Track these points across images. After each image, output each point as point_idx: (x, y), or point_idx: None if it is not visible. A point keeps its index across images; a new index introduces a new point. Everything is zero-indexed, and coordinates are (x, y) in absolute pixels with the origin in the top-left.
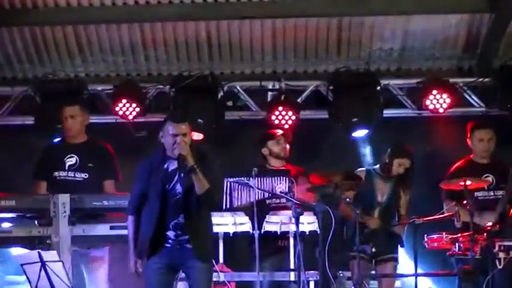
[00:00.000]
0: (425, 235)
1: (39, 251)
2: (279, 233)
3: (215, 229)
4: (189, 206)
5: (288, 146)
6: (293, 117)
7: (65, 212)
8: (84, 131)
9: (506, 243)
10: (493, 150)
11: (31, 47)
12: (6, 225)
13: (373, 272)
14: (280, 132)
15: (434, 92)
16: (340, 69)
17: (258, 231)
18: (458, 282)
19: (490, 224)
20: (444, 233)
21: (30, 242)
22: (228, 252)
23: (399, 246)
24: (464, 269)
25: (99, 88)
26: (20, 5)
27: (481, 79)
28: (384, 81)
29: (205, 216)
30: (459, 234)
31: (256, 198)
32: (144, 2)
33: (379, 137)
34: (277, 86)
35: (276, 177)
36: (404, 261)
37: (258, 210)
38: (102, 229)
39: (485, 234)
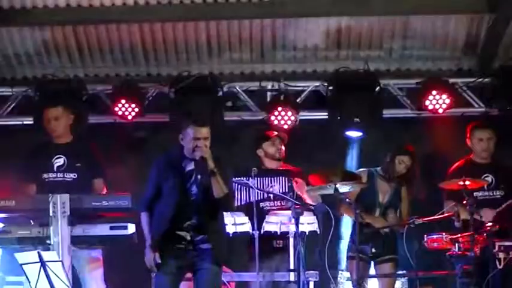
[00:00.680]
0: (425, 235)
1: (39, 251)
2: (279, 233)
3: None
4: (204, 207)
5: (283, 148)
6: (292, 118)
7: (64, 212)
8: (69, 131)
9: (506, 243)
10: (493, 151)
11: (31, 47)
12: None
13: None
14: (275, 133)
15: (434, 92)
16: (339, 70)
17: (257, 232)
18: (458, 282)
19: (490, 224)
20: (444, 233)
21: (30, 242)
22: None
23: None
24: (464, 269)
25: (99, 88)
26: (19, 5)
27: (480, 79)
28: (383, 82)
29: (221, 219)
30: (459, 234)
31: (256, 198)
32: (143, 2)
33: (379, 137)
34: (276, 87)
35: (275, 178)
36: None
37: (252, 214)
38: (102, 229)
39: (485, 234)
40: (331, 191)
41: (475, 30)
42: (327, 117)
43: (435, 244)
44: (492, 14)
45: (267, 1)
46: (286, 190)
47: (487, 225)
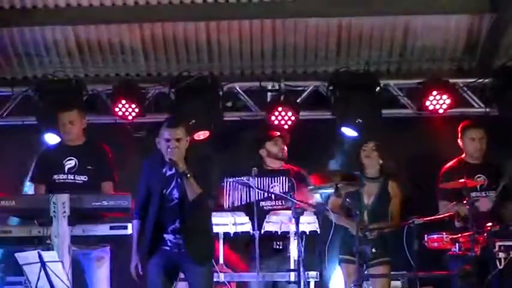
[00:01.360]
0: (426, 235)
1: (39, 251)
2: (279, 232)
3: (215, 229)
4: (185, 211)
5: (285, 148)
6: (292, 118)
7: (64, 212)
8: (83, 134)
9: (506, 243)
10: (486, 151)
11: (31, 47)
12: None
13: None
14: (278, 133)
15: (434, 92)
16: (340, 70)
17: (258, 232)
18: (458, 282)
19: (489, 224)
20: (444, 233)
21: (30, 242)
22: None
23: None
24: (464, 269)
25: (99, 88)
26: (19, 5)
27: (481, 79)
28: (383, 82)
29: (203, 220)
30: (459, 234)
31: (256, 198)
32: (143, 2)
33: (379, 137)
34: (276, 87)
35: (275, 178)
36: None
37: (251, 213)
38: (102, 229)
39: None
40: (331, 191)
41: (476, 30)
42: (326, 117)
43: (435, 244)
44: (492, 14)
45: (267, 1)
46: (287, 190)
47: (487, 225)
